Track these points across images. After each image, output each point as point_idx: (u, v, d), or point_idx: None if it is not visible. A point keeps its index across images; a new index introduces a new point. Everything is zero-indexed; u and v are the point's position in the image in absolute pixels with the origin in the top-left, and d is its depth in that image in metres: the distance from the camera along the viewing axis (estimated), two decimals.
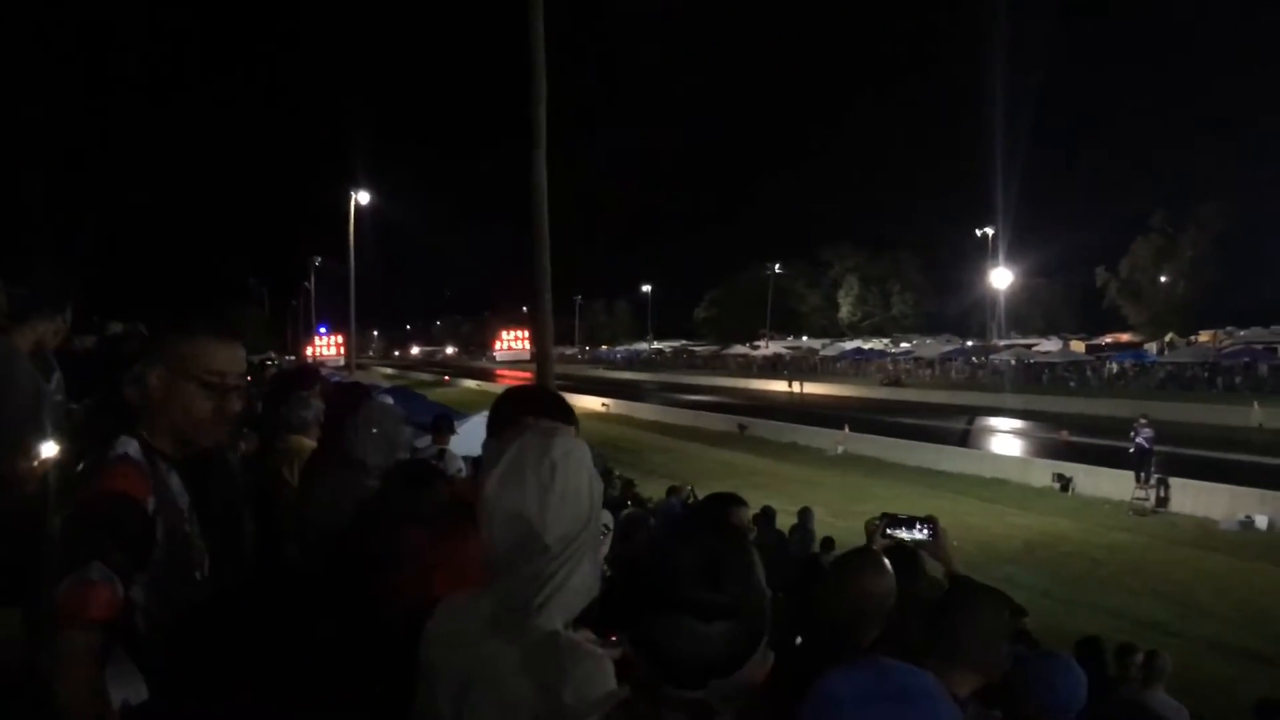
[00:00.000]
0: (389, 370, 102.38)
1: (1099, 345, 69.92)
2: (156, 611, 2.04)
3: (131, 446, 2.15)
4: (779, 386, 63.98)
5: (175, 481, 2.17)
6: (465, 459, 8.66)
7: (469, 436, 9.82)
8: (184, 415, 2.22)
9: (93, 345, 6.33)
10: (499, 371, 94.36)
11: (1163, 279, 69.24)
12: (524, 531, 1.64)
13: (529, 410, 2.00)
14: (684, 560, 1.36)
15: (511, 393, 2.26)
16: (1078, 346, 69.24)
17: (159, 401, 2.21)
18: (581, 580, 1.67)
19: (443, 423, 9.70)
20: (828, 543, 13.61)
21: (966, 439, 36.38)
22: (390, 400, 4.56)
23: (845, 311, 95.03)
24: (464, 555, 2.05)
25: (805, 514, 15.64)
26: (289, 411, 6.47)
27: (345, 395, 4.99)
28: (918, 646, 2.45)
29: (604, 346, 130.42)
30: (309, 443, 5.26)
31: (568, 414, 2.09)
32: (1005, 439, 37.45)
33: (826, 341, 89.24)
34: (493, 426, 2.01)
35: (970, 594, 2.60)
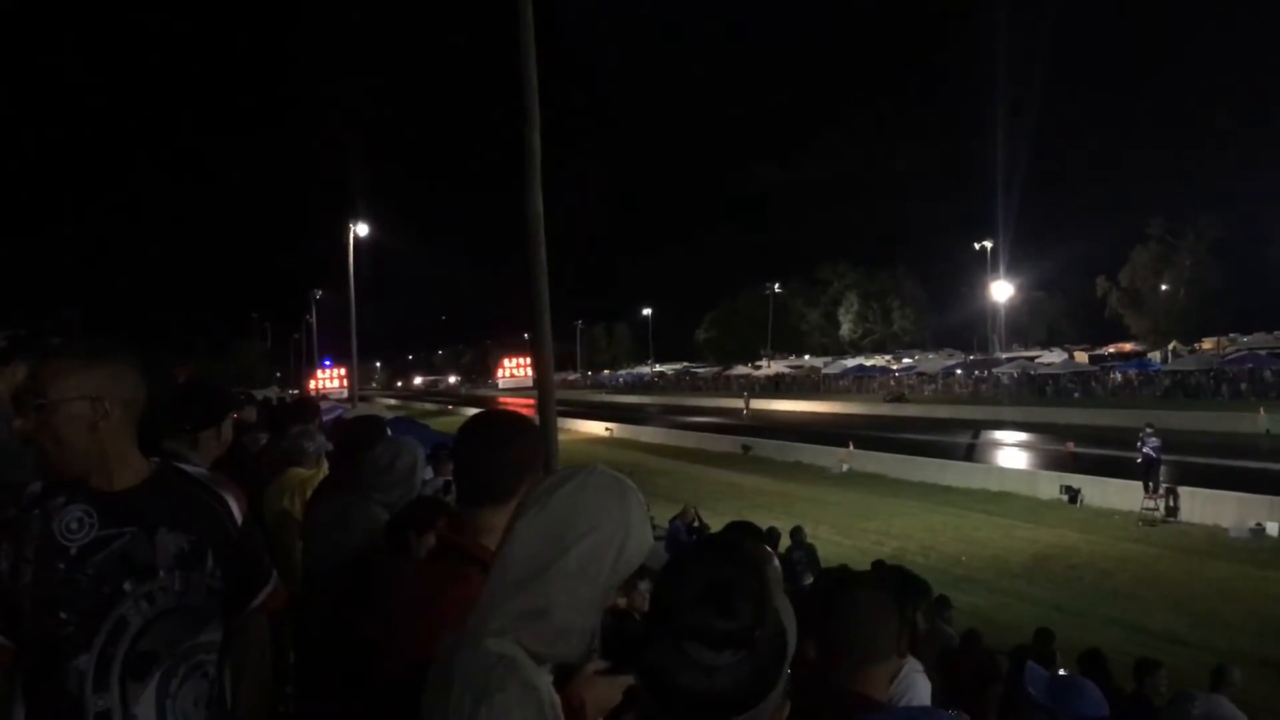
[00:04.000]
0: (392, 401, 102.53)
1: (1102, 355, 69.99)
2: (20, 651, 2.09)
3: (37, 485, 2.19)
4: (738, 404, 64.26)
5: (64, 519, 2.13)
6: None
7: None
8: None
9: None
10: (502, 399, 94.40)
11: (1163, 287, 69.38)
12: (532, 566, 1.59)
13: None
14: (695, 583, 1.30)
15: (509, 433, 2.22)
16: (1081, 357, 69.11)
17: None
18: (566, 616, 1.57)
19: (440, 452, 9.53)
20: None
21: (972, 453, 36.29)
22: (410, 437, 4.50)
23: (846, 329, 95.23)
24: (467, 601, 2.00)
25: (798, 532, 15.48)
26: (289, 444, 6.46)
27: (362, 429, 4.97)
28: (814, 658, 2.35)
29: (606, 371, 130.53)
30: (308, 474, 5.26)
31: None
32: (1011, 452, 37.34)
33: (828, 359, 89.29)
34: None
35: (838, 584, 2.52)
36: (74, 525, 2.12)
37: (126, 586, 2.12)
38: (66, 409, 2.12)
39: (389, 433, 4.71)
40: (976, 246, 66.21)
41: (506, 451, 2.15)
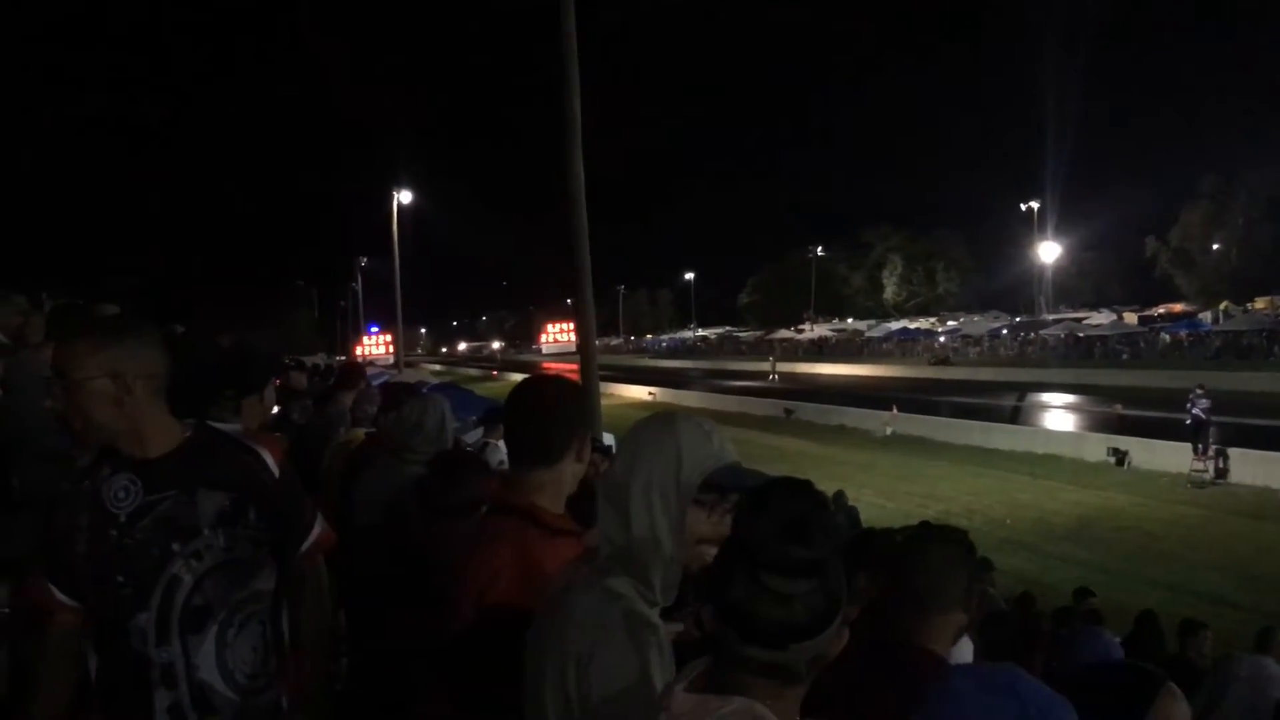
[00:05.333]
0: (436, 366, 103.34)
1: (1151, 316, 68.61)
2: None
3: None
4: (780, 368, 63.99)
5: (112, 488, 2.25)
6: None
7: None
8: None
9: None
10: (545, 364, 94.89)
11: (1215, 246, 67.80)
12: (660, 504, 1.76)
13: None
14: (770, 517, 1.37)
15: (550, 394, 2.33)
16: (1130, 318, 67.94)
17: None
18: (646, 543, 1.75)
19: (494, 416, 9.69)
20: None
21: (1017, 416, 35.96)
22: (440, 395, 4.66)
23: (890, 292, 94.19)
24: (526, 559, 2.11)
25: (840, 496, 15.53)
26: (335, 409, 6.59)
27: (393, 392, 5.12)
28: (878, 605, 2.41)
29: (648, 336, 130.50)
30: (361, 434, 5.41)
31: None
32: (1057, 414, 36.95)
33: (872, 323, 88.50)
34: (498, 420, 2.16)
35: (913, 536, 2.52)
36: (121, 494, 2.23)
37: (175, 547, 2.23)
38: (89, 386, 2.20)
39: (416, 393, 4.86)
40: (1023, 207, 65.12)
41: (553, 415, 2.26)
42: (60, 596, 2.22)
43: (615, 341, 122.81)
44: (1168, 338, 57.66)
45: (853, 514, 15.10)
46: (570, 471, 2.26)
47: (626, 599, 1.72)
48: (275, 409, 4.48)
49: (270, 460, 2.43)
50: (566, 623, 1.74)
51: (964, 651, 2.95)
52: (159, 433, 2.29)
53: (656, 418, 1.86)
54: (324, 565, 2.60)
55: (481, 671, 2.09)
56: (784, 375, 63.45)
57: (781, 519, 1.36)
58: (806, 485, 1.45)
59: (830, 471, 23.99)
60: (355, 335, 71.07)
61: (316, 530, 2.55)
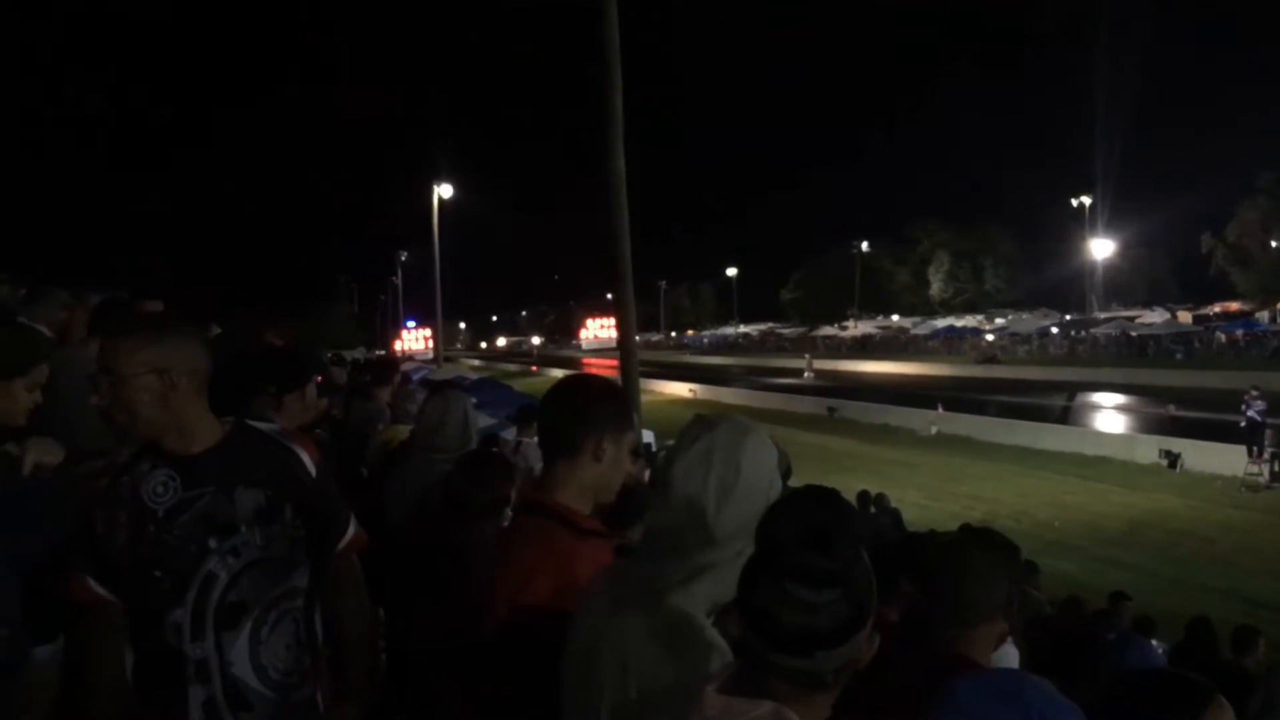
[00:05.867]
0: (476, 361, 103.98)
1: (1206, 315, 67.11)
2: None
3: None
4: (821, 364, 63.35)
5: (151, 484, 2.27)
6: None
7: None
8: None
9: None
10: (585, 360, 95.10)
11: (1273, 244, 66.17)
12: (695, 520, 1.76)
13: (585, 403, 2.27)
14: (792, 526, 1.39)
15: (578, 390, 2.35)
16: (1184, 317, 66.54)
17: None
18: (734, 575, 1.67)
19: (527, 414, 9.65)
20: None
21: (1066, 416, 35.41)
22: (462, 392, 4.70)
23: (936, 288, 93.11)
24: (557, 558, 2.11)
25: (882, 498, 15.38)
26: (376, 404, 6.60)
27: (436, 390, 5.16)
28: (918, 611, 2.41)
29: (689, 332, 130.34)
30: (404, 431, 5.42)
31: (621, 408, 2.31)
32: (1108, 415, 36.33)
33: (917, 320, 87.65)
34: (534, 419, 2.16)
35: (953, 543, 2.48)
36: (159, 489, 2.26)
37: (211, 543, 2.25)
38: (136, 383, 2.23)
39: (444, 390, 4.92)
40: (1074, 203, 64.06)
41: (573, 408, 2.28)
42: (100, 590, 2.25)
43: (656, 337, 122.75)
44: (1223, 337, 56.39)
45: (896, 515, 14.93)
46: (593, 471, 2.23)
47: (692, 618, 1.70)
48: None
49: (307, 459, 2.45)
50: (624, 635, 1.74)
51: (1008, 658, 2.88)
52: (200, 429, 2.33)
53: (739, 426, 1.87)
54: (359, 564, 2.62)
55: (510, 673, 2.09)
56: (827, 373, 62.95)
57: (803, 528, 1.38)
58: (831, 494, 1.52)
59: (874, 471, 23.78)
60: (394, 329, 71.78)
61: (351, 530, 2.56)
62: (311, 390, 3.82)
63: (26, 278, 8.27)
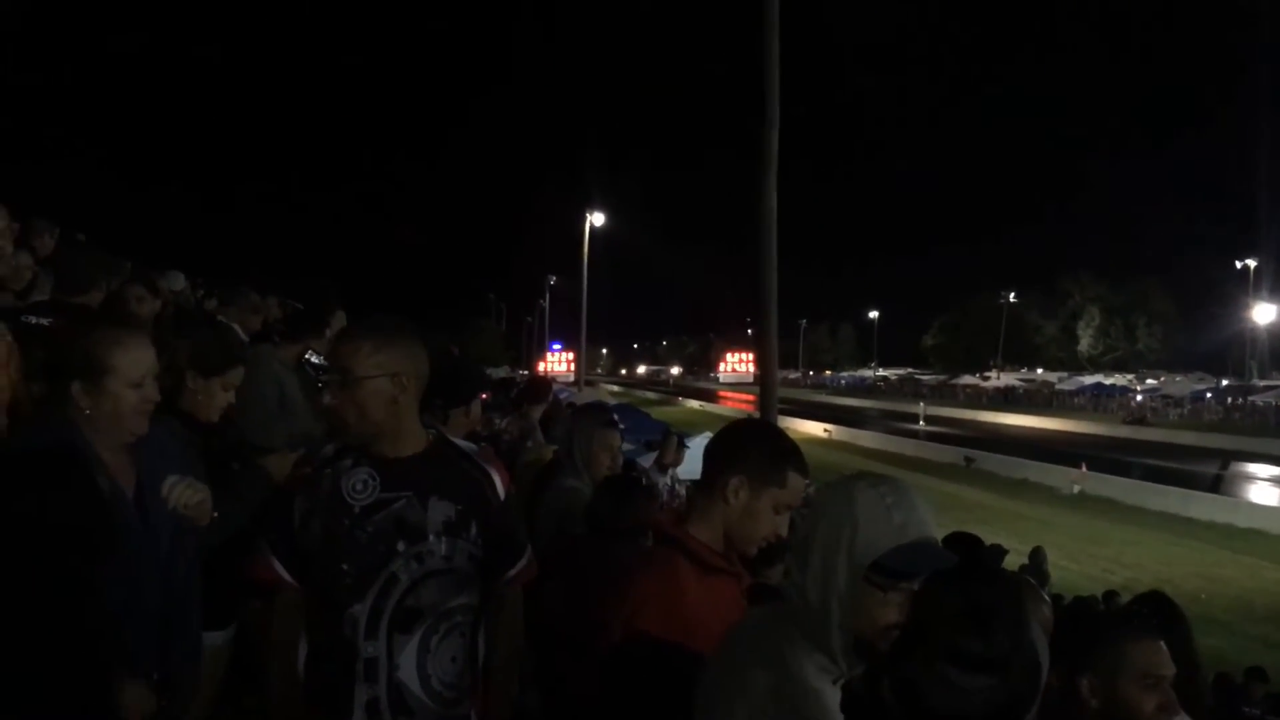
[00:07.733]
0: (615, 387, 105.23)
1: None
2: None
3: None
4: (964, 414, 61.26)
5: (351, 480, 2.39)
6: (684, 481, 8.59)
7: (690, 459, 9.74)
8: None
9: None
10: (722, 393, 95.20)
11: None
12: (828, 586, 1.66)
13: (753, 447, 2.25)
14: (953, 605, 1.31)
15: (737, 430, 2.39)
16: None
17: None
18: (820, 606, 1.67)
19: (663, 440, 9.52)
20: (1110, 595, 12.69)
21: (1219, 485, 33.81)
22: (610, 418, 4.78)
23: (1085, 344, 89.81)
24: (674, 589, 2.15)
25: (1038, 554, 15.04)
26: (528, 422, 6.93)
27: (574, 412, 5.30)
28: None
29: (827, 372, 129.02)
30: (552, 450, 5.68)
31: (789, 457, 2.24)
32: (1264, 487, 34.53)
33: (1063, 375, 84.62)
34: (711, 457, 2.27)
35: (1100, 616, 2.53)
36: (359, 486, 2.33)
37: (400, 546, 2.32)
38: (371, 384, 2.32)
39: (588, 414, 4.83)
40: (1238, 265, 61.11)
41: (720, 446, 2.30)
42: (283, 573, 2.37)
43: (794, 375, 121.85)
44: None
45: (1045, 578, 14.68)
46: (723, 512, 2.21)
47: (820, 694, 1.62)
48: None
49: (499, 482, 2.51)
50: (750, 687, 1.69)
51: None
52: (410, 435, 2.41)
53: (842, 483, 1.75)
54: (522, 595, 2.62)
55: (615, 694, 2.16)
56: (965, 423, 61.55)
57: (964, 609, 1.30)
58: (999, 573, 1.40)
59: (1007, 526, 23.37)
60: (539, 351, 73.41)
61: (524, 560, 2.58)
62: (476, 407, 3.87)
63: (217, 287, 9.17)
